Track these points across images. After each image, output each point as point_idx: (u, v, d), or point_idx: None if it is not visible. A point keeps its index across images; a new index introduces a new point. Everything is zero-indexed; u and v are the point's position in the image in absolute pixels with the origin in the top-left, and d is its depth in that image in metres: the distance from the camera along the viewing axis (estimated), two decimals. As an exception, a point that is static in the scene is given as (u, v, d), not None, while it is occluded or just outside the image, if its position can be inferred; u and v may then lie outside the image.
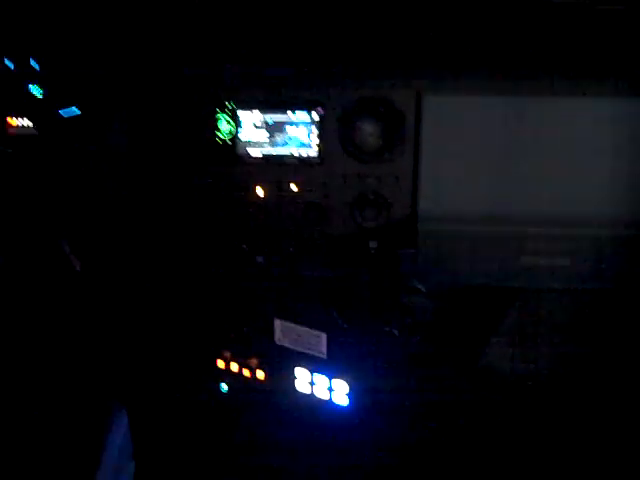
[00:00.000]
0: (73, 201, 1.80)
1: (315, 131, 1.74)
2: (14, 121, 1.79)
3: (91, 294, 1.90)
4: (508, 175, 1.68)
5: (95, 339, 1.91)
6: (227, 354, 2.03)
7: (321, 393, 1.97)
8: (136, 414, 1.83)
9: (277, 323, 1.94)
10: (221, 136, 1.77)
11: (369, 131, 1.70)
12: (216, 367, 2.04)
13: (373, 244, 1.79)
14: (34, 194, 1.80)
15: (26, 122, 1.79)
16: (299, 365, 1.97)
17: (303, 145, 1.75)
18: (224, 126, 1.76)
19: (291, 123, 1.75)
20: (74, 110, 1.77)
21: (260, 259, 1.86)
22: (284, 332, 1.95)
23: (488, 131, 1.67)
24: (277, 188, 1.78)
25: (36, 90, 1.78)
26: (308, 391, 1.98)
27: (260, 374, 2.01)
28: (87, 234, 1.85)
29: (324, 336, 1.90)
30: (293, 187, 1.78)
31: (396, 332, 1.80)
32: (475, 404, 2.05)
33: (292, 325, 1.93)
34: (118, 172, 1.81)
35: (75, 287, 1.85)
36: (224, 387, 2.08)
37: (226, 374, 2.04)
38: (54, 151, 1.78)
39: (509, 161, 1.68)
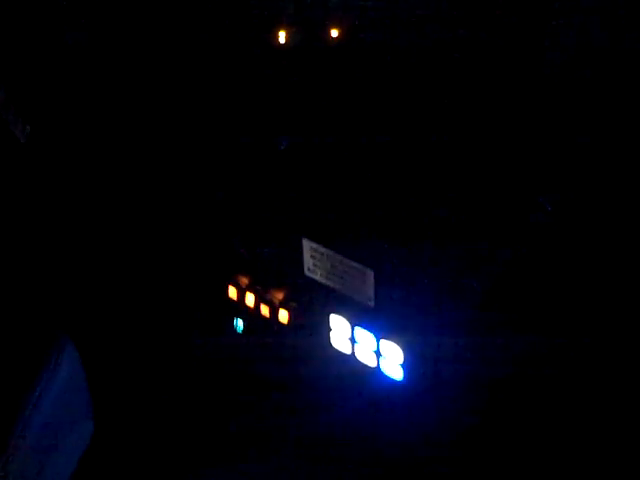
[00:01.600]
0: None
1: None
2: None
3: (44, 176, 1.32)
4: None
5: (38, 237, 1.34)
6: (242, 280, 1.42)
7: (365, 357, 1.32)
8: (94, 354, 1.23)
9: (306, 244, 1.31)
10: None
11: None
12: (226, 296, 1.43)
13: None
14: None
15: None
16: (336, 311, 1.32)
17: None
18: None
19: None
20: None
21: (282, 141, 1.29)
22: (315, 259, 1.32)
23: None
24: (308, 31, 1.21)
25: None
26: (347, 350, 1.34)
27: (283, 314, 1.39)
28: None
29: (371, 274, 1.24)
30: (333, 32, 1.21)
31: (477, 285, 1.14)
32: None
33: (327, 251, 1.28)
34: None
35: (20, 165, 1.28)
36: (240, 325, 1.47)
37: (237, 308, 1.43)
38: None
39: None
